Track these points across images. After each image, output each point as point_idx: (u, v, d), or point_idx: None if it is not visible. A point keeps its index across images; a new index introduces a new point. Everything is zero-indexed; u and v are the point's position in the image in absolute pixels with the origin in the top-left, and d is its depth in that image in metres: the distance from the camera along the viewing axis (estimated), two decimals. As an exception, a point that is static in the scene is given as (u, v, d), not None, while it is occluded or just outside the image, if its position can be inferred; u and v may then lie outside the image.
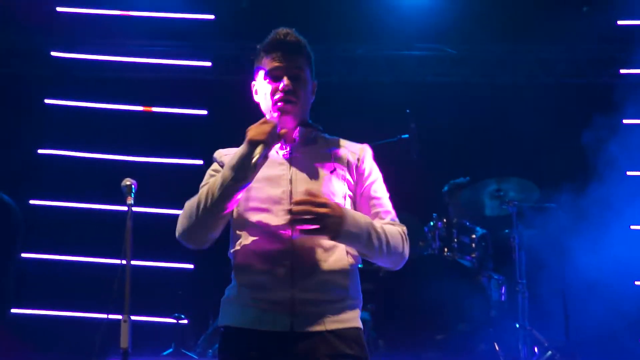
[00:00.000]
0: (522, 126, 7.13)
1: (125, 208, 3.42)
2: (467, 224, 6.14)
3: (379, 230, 2.47)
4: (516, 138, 7.09)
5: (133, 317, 3.34)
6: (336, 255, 2.46)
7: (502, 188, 6.12)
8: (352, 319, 2.50)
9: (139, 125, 7.30)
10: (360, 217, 2.46)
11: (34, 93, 7.49)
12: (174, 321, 5.80)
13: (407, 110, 6.19)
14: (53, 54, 7.45)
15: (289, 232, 2.42)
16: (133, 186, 3.49)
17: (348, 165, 2.61)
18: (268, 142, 2.42)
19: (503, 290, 5.96)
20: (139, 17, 7.29)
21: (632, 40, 7.21)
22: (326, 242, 2.43)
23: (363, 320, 5.79)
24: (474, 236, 6.08)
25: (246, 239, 2.46)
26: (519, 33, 7.34)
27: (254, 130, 2.42)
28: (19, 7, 6.84)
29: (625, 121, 7.10)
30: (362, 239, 2.41)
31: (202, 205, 2.40)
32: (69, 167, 7.27)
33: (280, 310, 2.38)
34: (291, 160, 2.56)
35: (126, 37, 7.39)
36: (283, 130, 2.51)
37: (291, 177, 2.51)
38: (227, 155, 2.56)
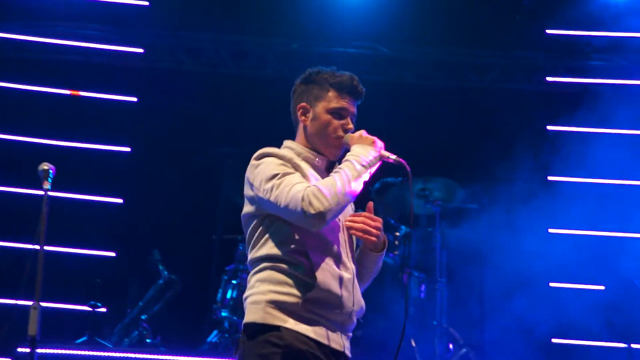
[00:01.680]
0: (452, 128, 7.26)
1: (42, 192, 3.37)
2: (392, 222, 6.21)
3: None
4: (445, 139, 7.21)
5: (46, 304, 3.27)
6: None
7: (428, 187, 6.23)
8: None
9: (65, 110, 7.15)
10: None
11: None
12: (90, 309, 5.71)
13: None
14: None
15: (347, 259, 2.69)
16: (51, 171, 3.45)
17: None
18: None
19: (423, 288, 6.06)
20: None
21: (559, 49, 7.41)
22: None
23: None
24: (397, 234, 6.16)
25: (325, 263, 2.61)
26: (454, 37, 7.45)
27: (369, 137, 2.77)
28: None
29: (549, 127, 7.31)
30: (379, 260, 2.82)
31: (345, 191, 2.56)
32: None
33: (335, 330, 2.62)
34: None
35: (56, 18, 7.23)
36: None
37: None
38: (292, 156, 2.73)
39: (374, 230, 2.68)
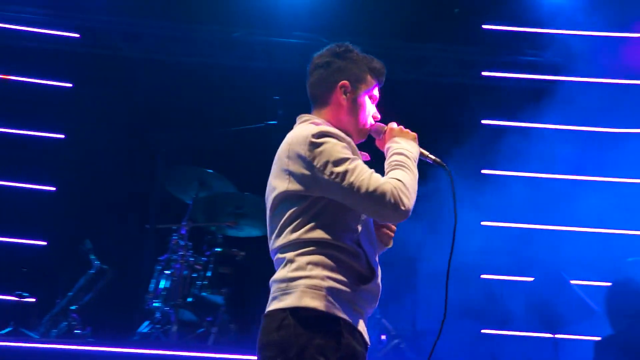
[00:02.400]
0: (388, 120, 7.28)
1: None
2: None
3: None
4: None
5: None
6: None
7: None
8: None
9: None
10: None
11: None
12: (16, 299, 5.59)
13: (276, 97, 6.23)
14: None
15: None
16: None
17: None
18: None
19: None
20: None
21: (494, 44, 7.52)
22: None
23: (216, 304, 5.80)
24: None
25: (372, 253, 2.60)
26: (392, 29, 7.49)
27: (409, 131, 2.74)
28: None
29: (483, 121, 7.41)
30: None
31: (416, 188, 2.55)
32: None
33: (366, 323, 2.60)
34: None
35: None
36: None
37: None
38: (346, 139, 2.63)
39: (394, 228, 2.78)
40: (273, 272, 5.69)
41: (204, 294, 5.72)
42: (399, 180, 2.48)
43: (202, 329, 5.66)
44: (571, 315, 5.99)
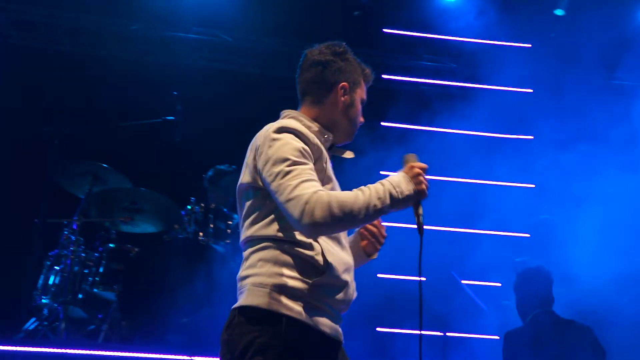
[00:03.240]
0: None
1: None
2: (225, 210, 6.18)
3: None
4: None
5: None
6: None
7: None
8: None
9: None
10: None
11: None
12: None
13: (174, 92, 6.14)
14: None
15: (353, 250, 2.68)
16: None
17: None
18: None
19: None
20: None
21: (394, 48, 7.66)
22: None
23: (108, 301, 5.66)
24: (230, 222, 6.13)
25: (331, 247, 2.52)
26: (295, 29, 7.51)
27: (423, 181, 2.55)
28: None
29: (383, 123, 7.53)
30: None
31: (356, 217, 2.37)
32: None
33: (337, 319, 2.55)
34: None
35: None
36: None
37: None
38: (312, 140, 2.56)
39: (382, 241, 2.76)
40: (166, 268, 5.60)
41: (95, 290, 5.56)
42: (331, 196, 2.34)
43: (93, 326, 5.51)
44: (461, 314, 6.17)
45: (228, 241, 6.07)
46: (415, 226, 2.56)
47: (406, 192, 2.48)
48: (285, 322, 2.39)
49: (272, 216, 2.48)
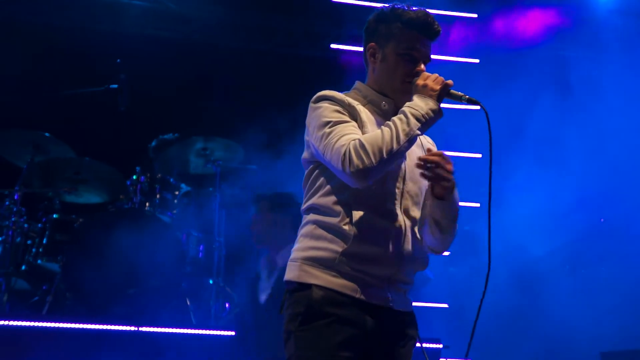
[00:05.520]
0: (235, 89, 7.25)
1: None
2: (172, 180, 6.12)
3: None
4: (228, 99, 7.19)
5: None
6: (423, 241, 2.62)
7: (209, 147, 6.19)
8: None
9: None
10: None
11: None
12: None
13: (118, 60, 6.01)
14: None
15: (399, 212, 2.52)
16: None
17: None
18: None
19: (201, 248, 6.03)
20: None
21: (343, 18, 7.61)
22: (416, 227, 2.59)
23: (52, 272, 5.56)
24: (177, 193, 6.08)
25: (358, 209, 2.48)
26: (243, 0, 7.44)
27: (440, 83, 2.53)
28: None
29: (331, 93, 7.50)
30: (455, 205, 2.60)
31: (391, 149, 2.38)
32: None
33: (379, 284, 2.49)
34: None
35: None
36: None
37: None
38: (352, 101, 2.56)
39: (446, 175, 2.48)
40: (111, 239, 5.49)
41: (39, 261, 5.47)
42: (361, 140, 2.39)
43: (37, 298, 5.41)
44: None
45: (175, 211, 6.02)
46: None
47: (425, 107, 2.49)
48: (313, 289, 2.46)
49: (316, 185, 2.55)
